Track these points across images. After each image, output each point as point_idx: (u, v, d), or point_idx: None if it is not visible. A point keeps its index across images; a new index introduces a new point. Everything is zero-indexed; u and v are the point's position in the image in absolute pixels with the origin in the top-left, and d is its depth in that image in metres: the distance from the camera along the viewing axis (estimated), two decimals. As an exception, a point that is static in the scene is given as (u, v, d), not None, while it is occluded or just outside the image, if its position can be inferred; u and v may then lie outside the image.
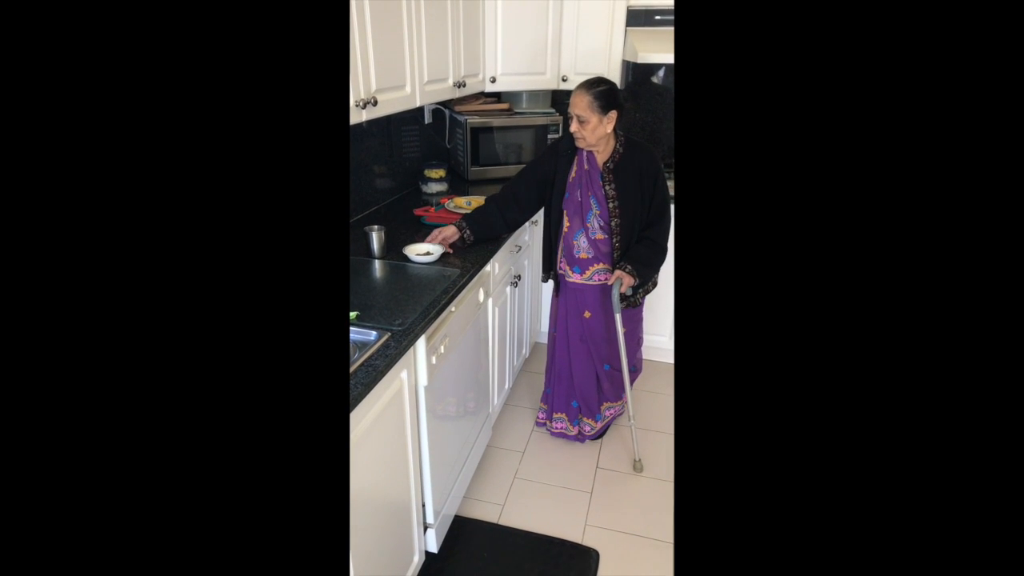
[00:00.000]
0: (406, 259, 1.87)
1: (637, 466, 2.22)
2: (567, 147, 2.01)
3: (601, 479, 2.19)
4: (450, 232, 1.97)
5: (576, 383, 2.25)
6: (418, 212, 2.27)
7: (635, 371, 2.35)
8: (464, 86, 2.32)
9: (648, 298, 2.26)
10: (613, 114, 1.84)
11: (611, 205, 1.95)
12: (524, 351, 2.72)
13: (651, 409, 2.59)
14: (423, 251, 1.89)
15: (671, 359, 2.94)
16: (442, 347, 1.60)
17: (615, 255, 2.00)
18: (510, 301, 2.33)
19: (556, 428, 2.36)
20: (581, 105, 1.82)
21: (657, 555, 1.87)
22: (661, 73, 2.96)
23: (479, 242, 2.03)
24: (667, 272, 2.66)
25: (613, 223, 1.96)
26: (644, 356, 2.58)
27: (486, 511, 2.03)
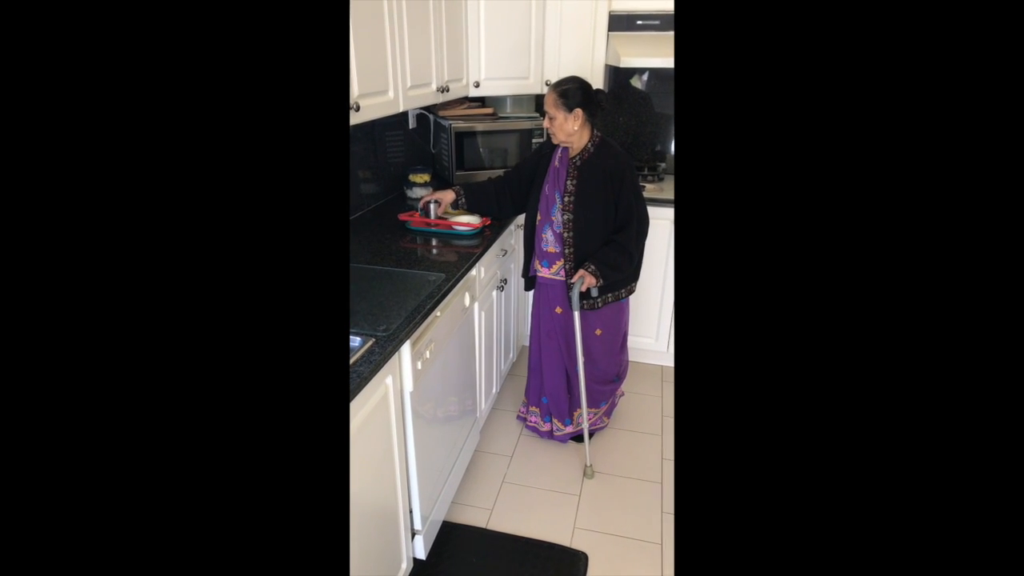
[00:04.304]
0: (450, 228, 2.17)
1: (588, 472, 2.22)
2: (549, 146, 2.10)
3: (589, 481, 2.19)
4: (448, 197, 2.20)
5: (545, 379, 2.28)
6: (403, 217, 2.26)
7: (618, 380, 2.35)
8: (448, 91, 2.32)
9: (633, 299, 2.28)
10: (579, 112, 1.89)
11: (566, 199, 1.99)
12: (511, 355, 2.72)
13: (638, 410, 2.60)
14: (465, 221, 2.18)
15: (657, 361, 2.95)
16: (428, 352, 1.59)
17: (565, 251, 2.04)
18: (496, 305, 2.33)
19: (531, 421, 2.41)
20: (549, 102, 1.93)
21: (646, 557, 1.87)
22: (644, 77, 2.99)
23: (472, 210, 2.23)
24: (652, 272, 2.68)
25: (564, 217, 2.00)
26: (635, 358, 2.58)
27: (474, 516, 2.02)
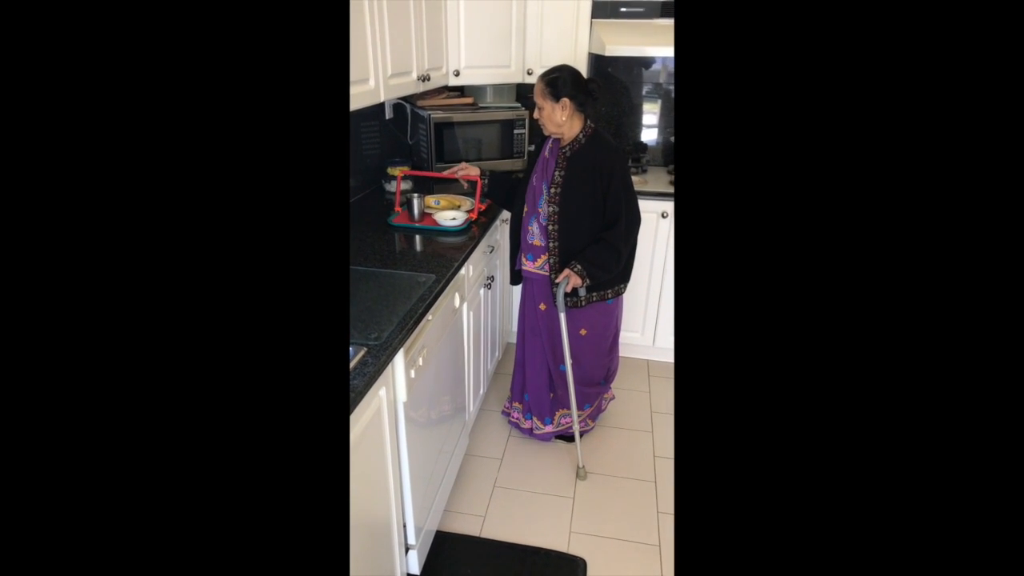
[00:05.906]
0: (435, 223, 2.13)
1: (581, 473, 2.17)
2: (542, 137, 2.03)
3: (582, 483, 2.14)
4: (474, 171, 2.15)
5: (527, 376, 2.23)
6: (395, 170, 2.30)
7: (605, 383, 2.30)
8: (428, 79, 2.21)
9: (624, 294, 2.22)
10: (566, 101, 1.83)
11: (552, 191, 1.92)
12: (497, 352, 2.65)
13: (626, 408, 2.56)
14: (450, 216, 2.13)
15: (649, 356, 2.92)
16: (420, 359, 1.50)
17: (550, 244, 1.96)
18: (483, 304, 2.25)
19: (513, 417, 2.37)
20: (537, 91, 1.88)
21: (644, 559, 1.83)
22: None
23: (490, 197, 2.21)
24: (639, 266, 2.64)
25: (550, 209, 1.93)
26: (621, 353, 2.53)
27: (467, 524, 1.95)
